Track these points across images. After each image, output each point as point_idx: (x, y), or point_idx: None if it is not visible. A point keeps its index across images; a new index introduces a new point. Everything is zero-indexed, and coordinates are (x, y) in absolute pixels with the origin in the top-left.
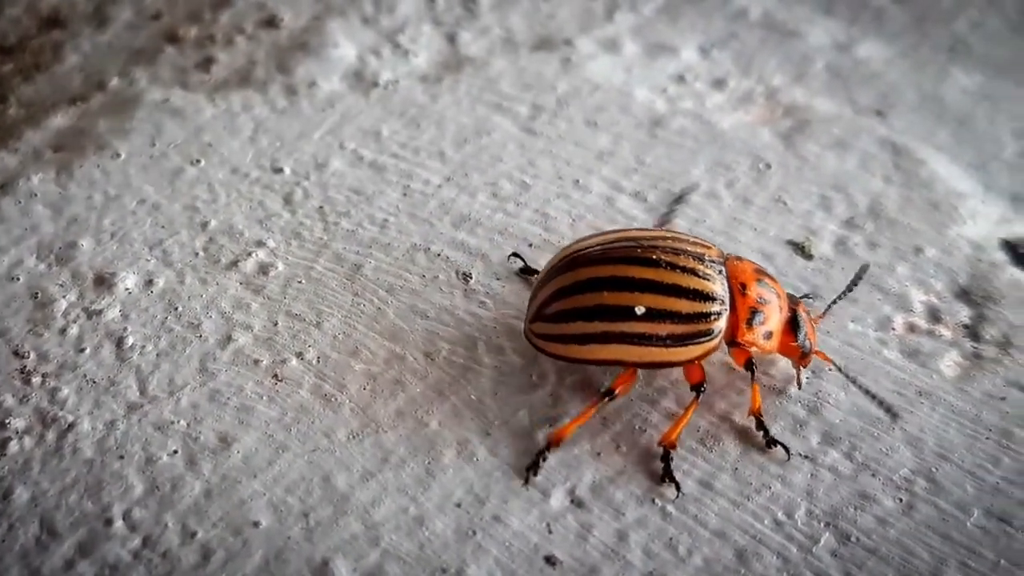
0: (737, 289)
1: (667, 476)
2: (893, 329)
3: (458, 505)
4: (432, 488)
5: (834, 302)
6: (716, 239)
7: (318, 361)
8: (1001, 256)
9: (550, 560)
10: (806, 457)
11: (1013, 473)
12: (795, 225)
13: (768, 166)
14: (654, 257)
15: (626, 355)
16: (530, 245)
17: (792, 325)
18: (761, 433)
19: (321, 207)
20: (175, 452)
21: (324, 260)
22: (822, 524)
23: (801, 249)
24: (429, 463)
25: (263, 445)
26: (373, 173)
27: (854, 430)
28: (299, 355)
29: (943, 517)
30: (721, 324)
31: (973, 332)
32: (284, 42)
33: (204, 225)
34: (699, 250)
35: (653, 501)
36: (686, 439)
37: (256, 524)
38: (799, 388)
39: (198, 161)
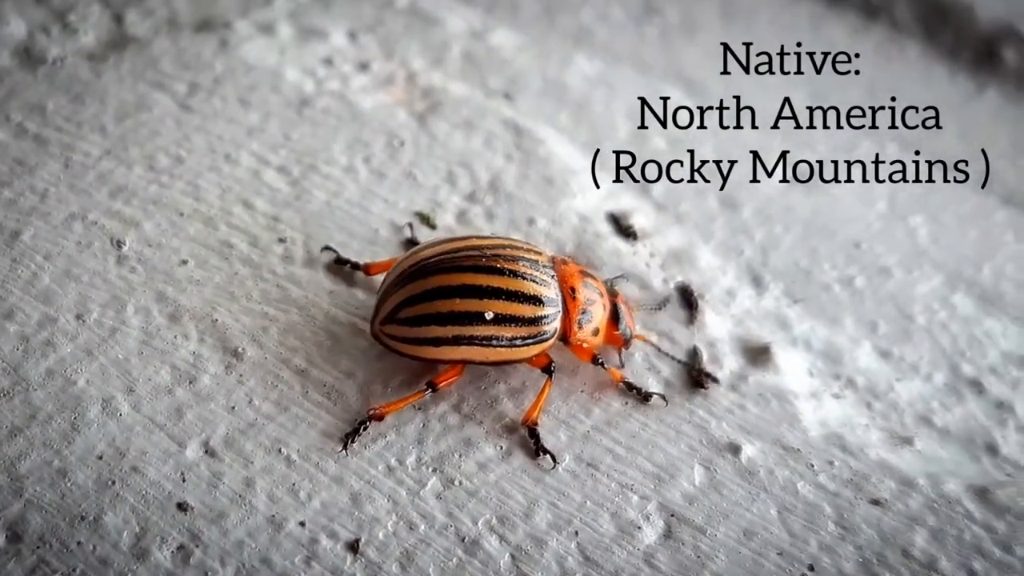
0: (568, 293)
1: (539, 449)
2: None
3: (100, 458)
4: (76, 442)
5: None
6: (352, 211)
7: None
8: (605, 227)
9: (182, 506)
10: (419, 409)
11: (602, 423)
12: (423, 198)
13: (402, 143)
14: (498, 266)
15: (474, 355)
16: (181, 214)
17: (614, 318)
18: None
19: None
20: None
21: None
22: (430, 469)
23: (426, 220)
24: (75, 419)
25: None
26: (36, 145)
27: (463, 383)
28: None
29: (537, 462)
30: (556, 325)
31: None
32: None
33: None
34: (533, 256)
35: (279, 451)
36: (312, 393)
37: None
38: (622, 365)
39: None
